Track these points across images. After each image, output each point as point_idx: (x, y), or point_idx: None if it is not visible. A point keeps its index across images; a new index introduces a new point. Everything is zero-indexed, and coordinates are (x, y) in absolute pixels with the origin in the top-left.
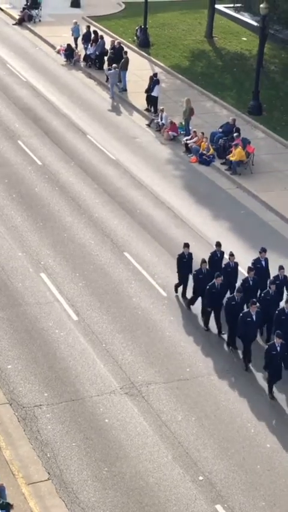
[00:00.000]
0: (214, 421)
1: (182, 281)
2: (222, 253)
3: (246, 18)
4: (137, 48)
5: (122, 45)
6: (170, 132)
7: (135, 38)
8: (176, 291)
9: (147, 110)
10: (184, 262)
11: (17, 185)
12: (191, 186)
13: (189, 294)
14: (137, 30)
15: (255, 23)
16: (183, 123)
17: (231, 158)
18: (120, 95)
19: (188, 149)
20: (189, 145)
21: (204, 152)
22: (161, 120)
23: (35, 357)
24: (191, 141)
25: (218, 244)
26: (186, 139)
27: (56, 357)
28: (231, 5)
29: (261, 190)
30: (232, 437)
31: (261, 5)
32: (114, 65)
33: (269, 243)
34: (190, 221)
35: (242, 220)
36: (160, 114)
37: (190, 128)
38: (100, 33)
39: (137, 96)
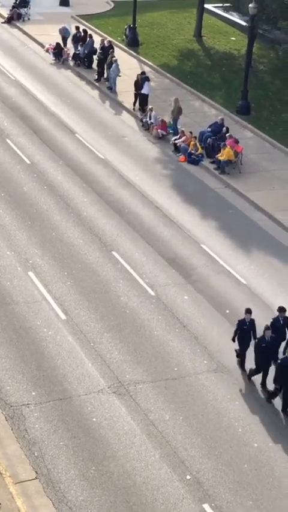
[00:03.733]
0: (202, 420)
1: (242, 350)
2: (286, 318)
3: (235, 17)
4: (126, 47)
5: (112, 44)
6: (159, 130)
7: (124, 37)
8: (243, 366)
9: (134, 109)
10: (245, 329)
11: (5, 184)
12: (179, 186)
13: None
14: (126, 29)
15: (244, 23)
16: (172, 122)
17: (220, 158)
18: (108, 94)
19: (176, 148)
20: (177, 144)
21: (193, 151)
22: (150, 119)
23: (22, 355)
24: (180, 140)
25: (282, 310)
26: (175, 139)
27: (44, 355)
28: (220, 5)
29: (250, 190)
30: (220, 437)
31: (250, 5)
32: (114, 58)
33: (257, 243)
34: (178, 220)
35: (230, 219)
36: (149, 113)
37: (178, 127)
38: (89, 32)
39: (126, 95)
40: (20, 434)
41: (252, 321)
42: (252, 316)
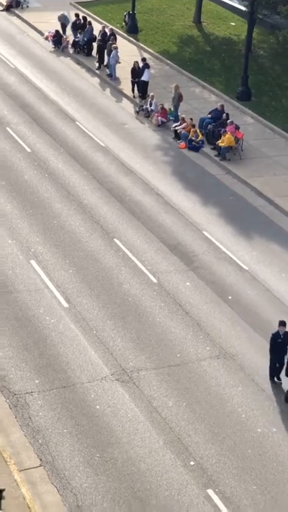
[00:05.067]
0: (205, 407)
1: (276, 363)
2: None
3: (234, 3)
4: (125, 34)
5: (114, 32)
6: (159, 118)
7: (123, 23)
8: (273, 378)
9: (134, 96)
10: (279, 342)
11: (6, 172)
12: (180, 172)
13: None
14: (125, 15)
15: (243, 8)
16: (172, 109)
17: (221, 144)
18: (108, 81)
19: (177, 135)
20: (178, 131)
21: (193, 138)
22: (150, 106)
23: (25, 344)
24: (180, 127)
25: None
26: (175, 126)
27: (47, 343)
28: None
29: (250, 176)
30: (223, 423)
31: None
32: (114, 45)
33: (258, 229)
34: (180, 207)
35: (231, 205)
36: (149, 100)
37: (179, 114)
38: (88, 19)
39: (126, 82)
40: (24, 422)
41: (286, 334)
42: (256, 304)
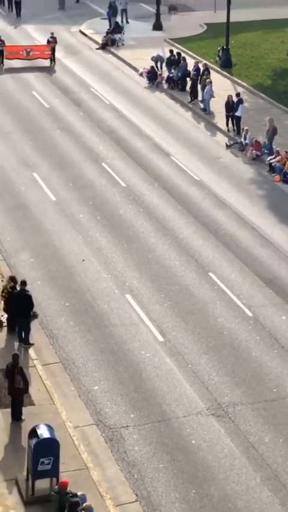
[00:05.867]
0: None
1: None
2: None
3: None
4: (219, 69)
5: (208, 67)
6: (254, 151)
7: (217, 58)
8: None
9: (228, 130)
10: None
11: (102, 207)
12: (275, 206)
13: None
14: (219, 50)
15: None
16: (267, 142)
17: None
18: (202, 115)
19: (271, 168)
20: (273, 164)
21: None
22: (244, 139)
23: (121, 378)
24: (275, 160)
25: None
26: (270, 159)
27: (142, 377)
28: None
29: None
30: None
31: None
32: (208, 80)
33: None
34: (275, 241)
35: None
36: (244, 134)
37: (273, 147)
38: (182, 54)
39: (220, 116)
40: (120, 457)
41: None
42: None
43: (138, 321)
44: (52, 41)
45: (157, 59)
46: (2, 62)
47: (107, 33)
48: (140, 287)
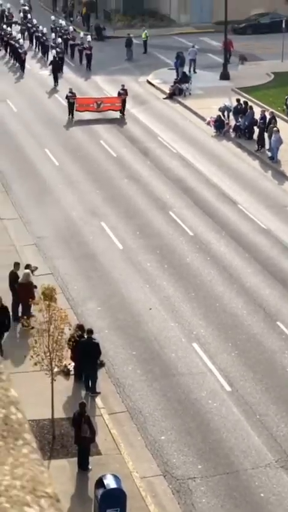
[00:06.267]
0: None
1: None
2: None
3: None
4: (286, 117)
5: (274, 115)
6: None
7: (284, 107)
8: None
9: None
10: None
11: (169, 256)
12: None
13: None
14: (286, 99)
15: None
16: None
17: None
18: (270, 164)
19: None
20: None
21: None
22: None
23: (188, 428)
24: None
25: None
26: None
27: (210, 428)
28: None
29: None
30: None
31: None
32: (275, 128)
33: None
34: None
35: None
36: None
37: None
38: (249, 103)
39: (287, 164)
40: (187, 509)
41: None
42: None
43: (205, 370)
44: (123, 93)
45: (224, 108)
46: (72, 115)
47: (175, 82)
48: (207, 336)
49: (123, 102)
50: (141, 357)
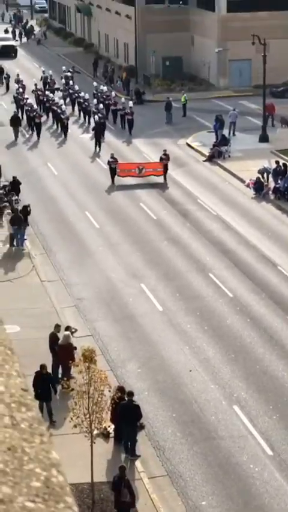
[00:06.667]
0: None
1: None
2: None
3: None
4: None
5: None
6: None
7: None
8: None
9: None
10: None
11: (209, 317)
12: None
13: None
14: None
15: None
16: None
17: None
18: None
19: None
20: None
21: None
22: None
23: (229, 493)
24: None
25: None
26: None
27: (251, 493)
28: None
29: None
30: None
31: None
32: None
33: None
34: None
35: None
36: None
37: None
38: None
39: None
40: None
41: None
42: None
43: (246, 433)
44: (165, 158)
45: (263, 170)
46: (114, 180)
47: (214, 145)
48: (247, 398)
49: (166, 168)
50: (181, 419)
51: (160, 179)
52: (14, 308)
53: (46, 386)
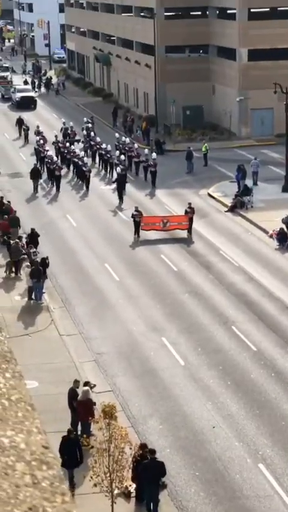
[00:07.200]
0: None
1: None
2: None
3: None
4: None
5: None
6: None
7: None
8: None
9: None
10: None
11: (232, 372)
12: None
13: None
14: None
15: None
16: None
17: None
18: None
19: None
20: None
21: None
22: None
23: None
24: None
25: None
26: None
27: None
28: None
29: None
30: None
31: None
32: None
33: None
34: None
35: None
36: None
37: None
38: None
39: None
40: None
41: None
42: None
43: (272, 492)
44: (190, 211)
45: (287, 220)
46: (138, 234)
47: (236, 195)
48: (273, 456)
49: (190, 221)
50: (204, 478)
51: (184, 233)
52: (32, 363)
53: (73, 452)
